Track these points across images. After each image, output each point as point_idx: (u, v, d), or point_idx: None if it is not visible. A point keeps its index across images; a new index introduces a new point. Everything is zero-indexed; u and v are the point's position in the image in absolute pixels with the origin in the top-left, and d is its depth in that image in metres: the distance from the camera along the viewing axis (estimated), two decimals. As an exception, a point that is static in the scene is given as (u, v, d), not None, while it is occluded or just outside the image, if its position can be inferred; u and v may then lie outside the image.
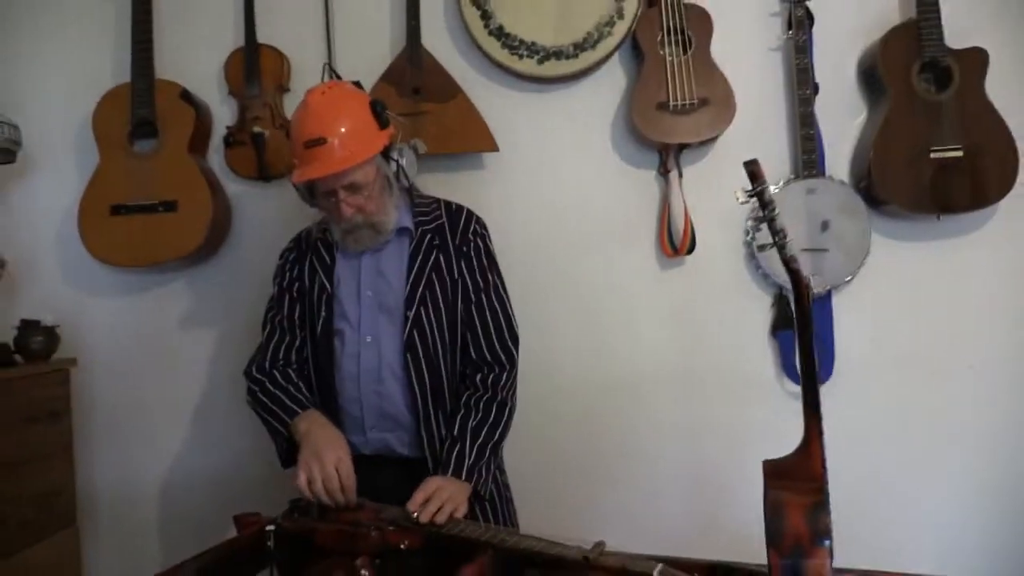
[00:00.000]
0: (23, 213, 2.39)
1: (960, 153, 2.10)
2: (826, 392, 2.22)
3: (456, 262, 1.79)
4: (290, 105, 2.32)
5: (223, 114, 2.35)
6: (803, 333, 1.29)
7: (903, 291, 2.23)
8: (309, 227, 1.91)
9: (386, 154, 1.73)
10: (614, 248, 2.27)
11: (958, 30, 2.13)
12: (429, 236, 1.80)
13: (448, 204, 1.87)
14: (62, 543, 2.14)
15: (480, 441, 1.69)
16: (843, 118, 2.24)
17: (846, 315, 2.23)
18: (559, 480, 2.25)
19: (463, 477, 1.64)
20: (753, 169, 1.24)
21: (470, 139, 2.21)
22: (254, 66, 2.28)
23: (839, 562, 1.18)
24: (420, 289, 1.76)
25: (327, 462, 1.58)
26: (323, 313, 1.80)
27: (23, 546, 1.98)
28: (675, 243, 2.22)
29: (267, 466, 2.01)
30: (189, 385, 2.37)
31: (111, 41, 2.39)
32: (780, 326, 2.24)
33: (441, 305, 1.77)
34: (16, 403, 2.01)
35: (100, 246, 2.25)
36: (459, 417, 1.73)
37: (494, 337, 1.79)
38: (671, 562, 1.27)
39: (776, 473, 1.19)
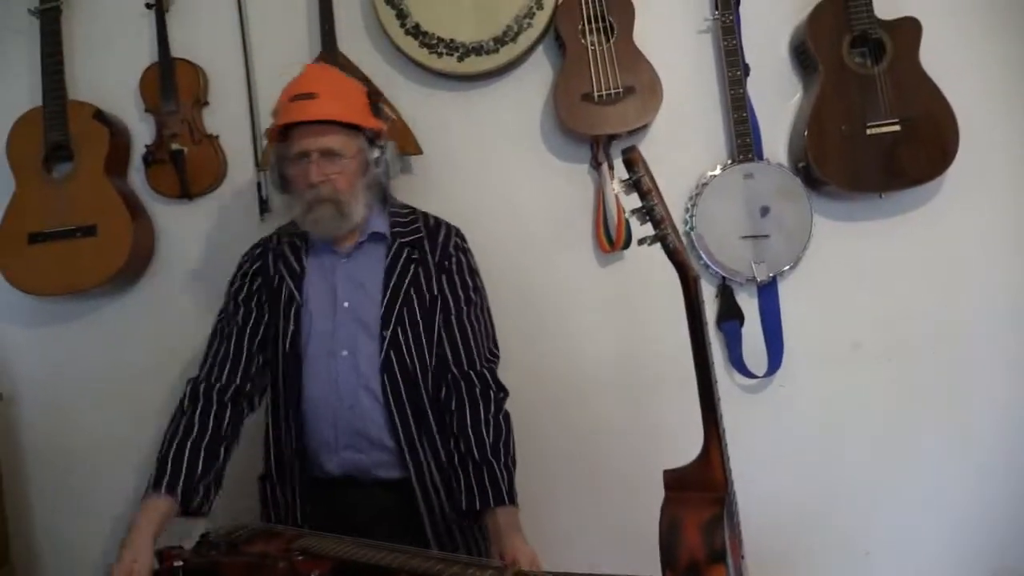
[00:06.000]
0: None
1: (897, 128, 2.01)
2: (778, 384, 2.16)
3: (436, 278, 1.70)
4: (209, 120, 2.24)
5: (142, 132, 2.26)
6: (694, 330, 1.24)
7: (850, 274, 2.14)
8: (274, 233, 1.80)
9: (372, 143, 1.70)
10: (550, 246, 2.19)
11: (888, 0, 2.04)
12: (408, 249, 1.70)
13: (426, 216, 1.78)
14: (-5, 585, 2.06)
15: (503, 460, 1.62)
16: (777, 99, 2.15)
17: (793, 302, 2.13)
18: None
19: (507, 502, 1.57)
20: (629, 157, 1.17)
21: (394, 143, 2.13)
22: (169, 81, 2.21)
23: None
24: (397, 307, 1.66)
25: (123, 560, 1.42)
26: (292, 326, 1.67)
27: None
28: (612, 237, 2.15)
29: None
30: (124, 415, 2.26)
31: (26, 67, 2.31)
32: (725, 316, 2.15)
33: (420, 324, 1.67)
34: (-68, 444, 1.94)
35: (20, 275, 2.17)
36: (470, 442, 1.62)
37: (475, 353, 1.69)
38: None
39: (676, 484, 1.11)
